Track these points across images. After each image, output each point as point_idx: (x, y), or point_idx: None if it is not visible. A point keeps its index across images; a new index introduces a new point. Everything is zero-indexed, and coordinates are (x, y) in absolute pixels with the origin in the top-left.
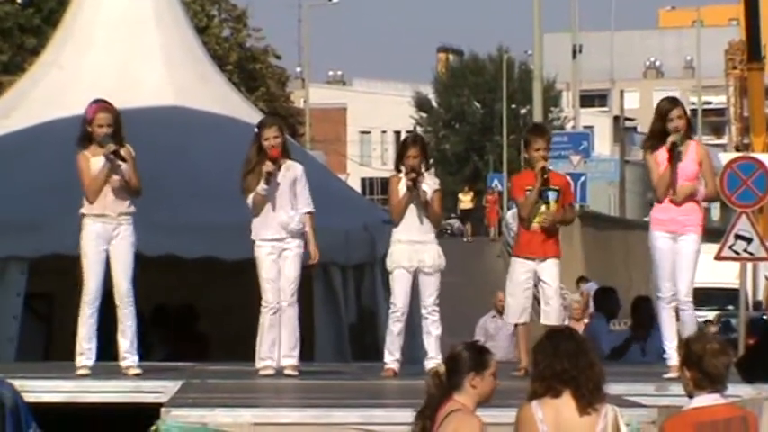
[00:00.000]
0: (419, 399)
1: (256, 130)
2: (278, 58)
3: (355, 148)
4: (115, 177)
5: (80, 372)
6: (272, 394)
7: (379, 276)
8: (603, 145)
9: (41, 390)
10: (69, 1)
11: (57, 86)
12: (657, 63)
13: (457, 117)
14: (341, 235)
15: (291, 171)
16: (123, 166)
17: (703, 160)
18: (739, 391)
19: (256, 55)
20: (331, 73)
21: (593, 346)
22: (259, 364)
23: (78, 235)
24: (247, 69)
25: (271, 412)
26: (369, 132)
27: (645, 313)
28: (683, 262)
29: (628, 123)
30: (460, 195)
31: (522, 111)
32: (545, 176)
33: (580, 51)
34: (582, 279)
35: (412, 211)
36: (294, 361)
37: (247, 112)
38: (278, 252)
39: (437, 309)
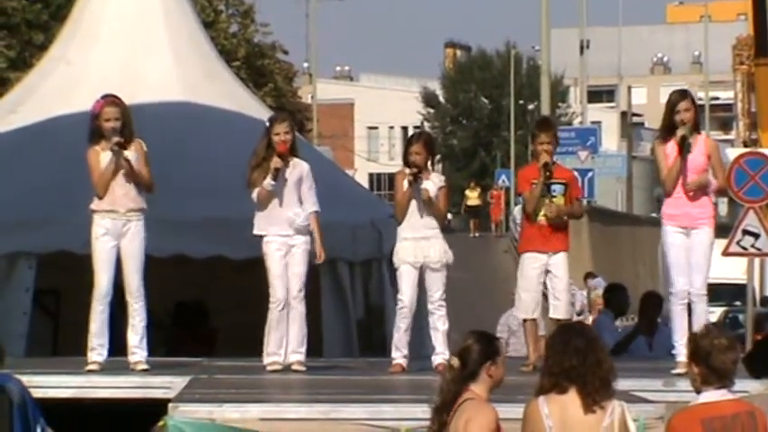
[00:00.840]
0: (427, 394)
1: (267, 124)
2: (285, 53)
3: (363, 143)
4: (122, 171)
5: (90, 367)
6: (280, 390)
7: (387, 272)
8: (611, 140)
9: (49, 385)
10: None
11: (64, 82)
12: (665, 58)
13: (464, 112)
14: (348, 230)
15: (298, 169)
16: (132, 159)
17: (712, 153)
18: (747, 386)
19: (264, 50)
20: (338, 68)
21: (603, 342)
22: (266, 359)
23: (86, 231)
24: (255, 65)
25: (278, 408)
26: (376, 128)
27: (652, 309)
28: (697, 256)
29: (635, 119)
30: (467, 191)
31: (530, 106)
32: (548, 172)
33: (587, 47)
34: (589, 275)
35: (415, 207)
36: (302, 357)
37: (255, 108)
38: (286, 248)
39: (444, 304)
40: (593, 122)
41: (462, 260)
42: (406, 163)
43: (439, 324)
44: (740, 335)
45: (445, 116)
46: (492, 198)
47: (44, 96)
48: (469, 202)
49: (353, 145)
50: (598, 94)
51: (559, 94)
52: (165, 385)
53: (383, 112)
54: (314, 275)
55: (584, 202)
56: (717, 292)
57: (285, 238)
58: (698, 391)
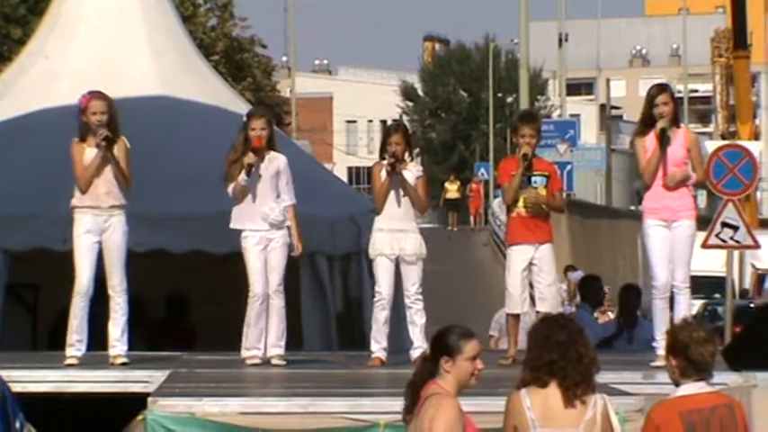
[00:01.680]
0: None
1: (245, 119)
2: (264, 47)
3: (341, 137)
4: (108, 167)
5: (69, 362)
6: (259, 384)
7: (366, 266)
8: (590, 133)
9: (28, 380)
10: None
11: (43, 77)
12: (644, 51)
13: (443, 106)
14: (327, 224)
15: (275, 162)
16: (117, 153)
17: (692, 147)
18: (726, 379)
19: (243, 44)
20: (317, 62)
21: (586, 335)
22: (245, 353)
23: (66, 227)
24: (234, 59)
25: (258, 402)
26: (355, 121)
27: (631, 301)
28: (679, 248)
29: (614, 112)
30: (447, 184)
31: (509, 99)
32: (526, 162)
33: (566, 40)
34: (569, 268)
35: (393, 198)
36: (281, 350)
37: (234, 102)
38: (264, 243)
39: (420, 298)
40: (571, 115)
41: (442, 253)
42: (383, 155)
43: (416, 318)
44: (719, 327)
45: (424, 109)
46: (471, 191)
47: (22, 91)
48: (448, 195)
49: (332, 139)
50: (577, 87)
51: (538, 87)
52: (144, 379)
53: (362, 105)
54: (293, 269)
55: (564, 194)
56: (696, 285)
57: (262, 233)
58: (676, 384)
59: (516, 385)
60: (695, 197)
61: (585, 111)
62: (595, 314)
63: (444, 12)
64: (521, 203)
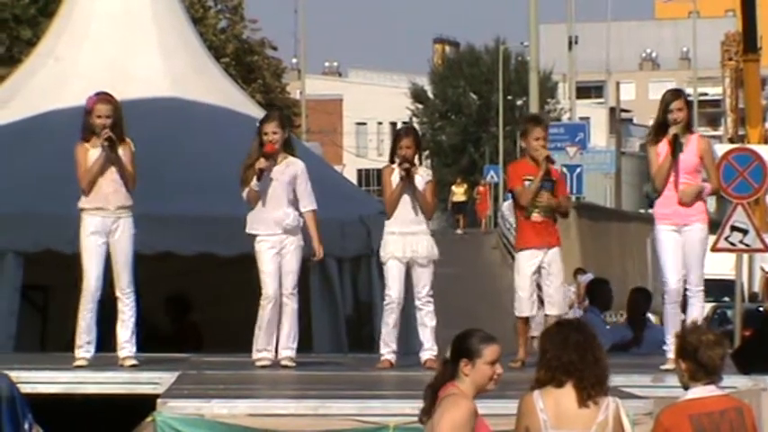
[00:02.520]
0: (415, 390)
1: (258, 124)
2: (274, 49)
3: (351, 139)
4: (111, 168)
5: (78, 363)
6: (269, 385)
7: (376, 268)
8: (599, 136)
9: (37, 381)
10: None
11: (53, 78)
12: (653, 54)
13: (453, 108)
14: (337, 227)
15: (291, 168)
16: (122, 155)
17: (705, 154)
18: (735, 382)
19: (253, 47)
20: (327, 64)
21: (599, 340)
22: (255, 355)
23: (74, 229)
24: (244, 61)
25: (267, 403)
26: (365, 124)
27: (640, 304)
28: (692, 252)
29: (624, 115)
30: (453, 188)
31: (519, 102)
32: (551, 163)
33: (576, 42)
34: (579, 271)
35: (405, 202)
36: (292, 353)
37: (244, 104)
38: (278, 247)
39: (431, 300)
40: (581, 118)
41: (451, 256)
42: (393, 159)
43: (427, 320)
44: (729, 331)
45: (434, 112)
46: (478, 194)
47: (33, 93)
48: (455, 198)
49: (342, 141)
50: (586, 90)
51: (548, 90)
52: (153, 381)
53: (372, 107)
54: (303, 271)
55: (573, 198)
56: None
57: (277, 237)
58: (686, 387)
59: (531, 386)
60: (705, 201)
61: (595, 114)
62: (605, 317)
63: (454, 14)
64: (535, 212)
